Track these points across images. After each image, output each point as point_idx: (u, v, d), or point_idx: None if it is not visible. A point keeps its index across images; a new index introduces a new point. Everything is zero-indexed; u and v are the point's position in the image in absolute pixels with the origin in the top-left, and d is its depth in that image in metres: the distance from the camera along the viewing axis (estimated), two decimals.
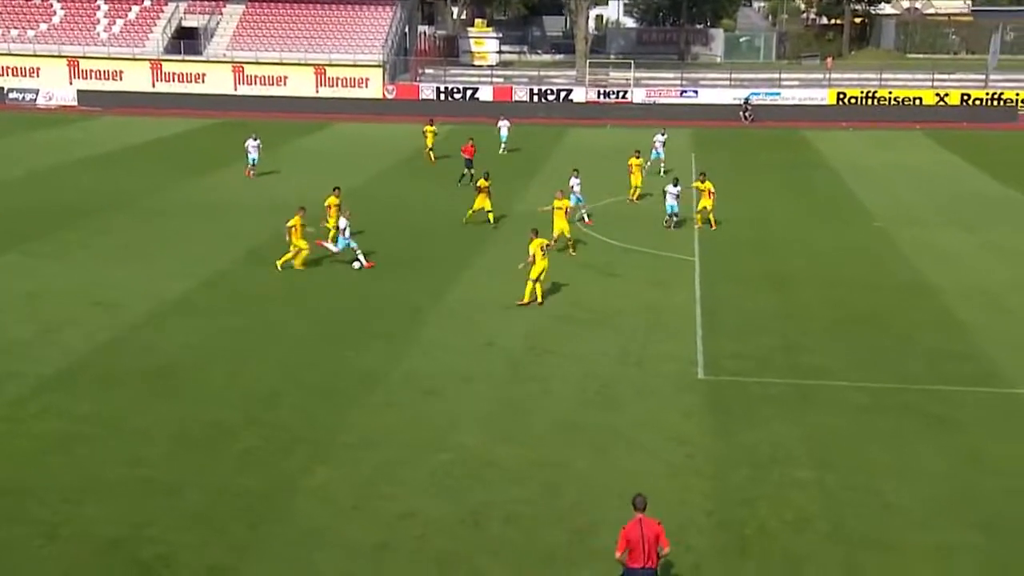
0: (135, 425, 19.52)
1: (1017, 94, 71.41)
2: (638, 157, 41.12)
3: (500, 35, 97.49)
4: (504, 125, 53.27)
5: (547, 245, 27.04)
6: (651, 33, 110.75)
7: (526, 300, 26.54)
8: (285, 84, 74.79)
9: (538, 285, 26.70)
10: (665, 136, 48.70)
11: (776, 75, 79.10)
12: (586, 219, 36.25)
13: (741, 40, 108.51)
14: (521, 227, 35.23)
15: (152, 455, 18.33)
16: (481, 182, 35.66)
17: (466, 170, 42.81)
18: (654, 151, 47.15)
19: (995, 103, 70.71)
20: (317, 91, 74.35)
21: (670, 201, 34.82)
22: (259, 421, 19.76)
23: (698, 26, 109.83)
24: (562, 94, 74.21)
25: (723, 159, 49.14)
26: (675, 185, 35.07)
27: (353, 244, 30.14)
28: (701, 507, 16.57)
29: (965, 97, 71.31)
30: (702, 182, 35.25)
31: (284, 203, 39.39)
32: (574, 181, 36.09)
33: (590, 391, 21.29)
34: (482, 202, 35.10)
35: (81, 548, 15.34)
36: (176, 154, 52.46)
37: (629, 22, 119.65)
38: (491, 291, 28.18)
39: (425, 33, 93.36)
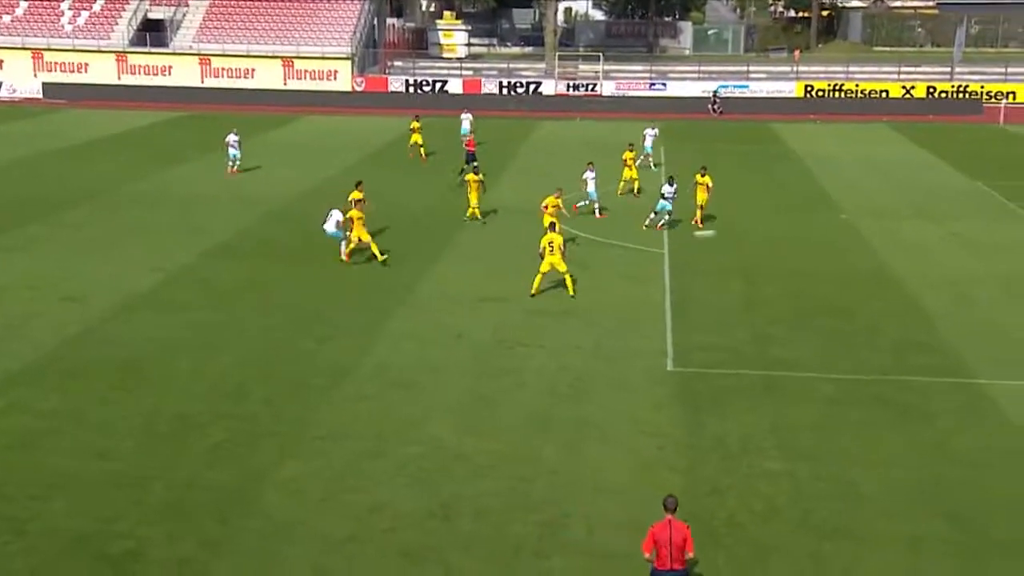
0: (102, 419, 19.40)
1: (982, 86, 72.10)
2: (632, 151, 40.95)
3: (469, 28, 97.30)
4: (467, 118, 52.42)
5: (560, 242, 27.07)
6: (620, 26, 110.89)
7: (571, 292, 26.99)
8: (252, 76, 74.38)
9: (566, 276, 27.02)
10: (656, 131, 48.28)
11: (744, 68, 79.43)
12: (597, 213, 36.09)
13: (709, 33, 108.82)
14: (492, 221, 35.30)
15: (120, 449, 18.21)
16: (471, 176, 35.63)
17: (467, 164, 42.41)
18: (645, 145, 46.86)
19: (960, 96, 71.34)
20: (285, 84, 73.99)
21: (664, 201, 33.81)
22: (228, 414, 19.67)
23: (666, 19, 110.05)
24: (531, 87, 74.22)
25: (692, 151, 49.26)
26: (671, 184, 34.01)
27: (340, 236, 29.94)
28: None
29: (931, 90, 71.94)
30: (703, 175, 34.77)
31: (253, 197, 39.34)
32: (589, 174, 36.09)
33: (561, 384, 21.32)
34: (471, 195, 35.11)
35: (49, 544, 15.23)
36: (143, 147, 52.07)
37: (598, 15, 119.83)
38: (462, 284, 28.17)
39: (394, 26, 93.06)
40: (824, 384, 21.34)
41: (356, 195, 31.72)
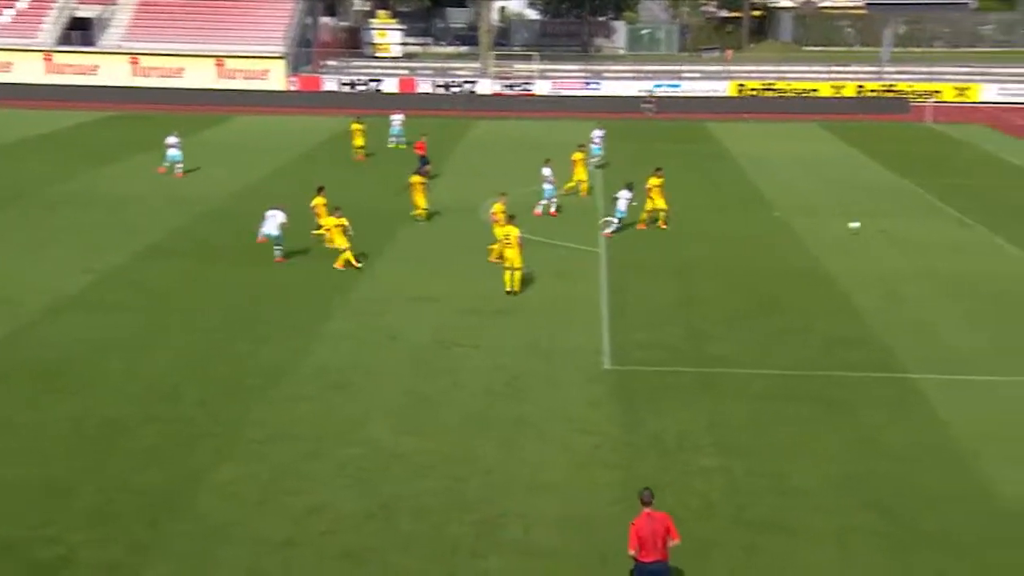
0: (31, 423, 19.07)
1: (910, 86, 73.45)
2: (582, 151, 40.95)
3: (404, 27, 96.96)
4: (397, 119, 52.13)
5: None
6: (554, 25, 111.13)
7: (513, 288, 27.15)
8: (182, 76, 73.43)
9: (517, 272, 27.11)
10: (603, 131, 48.14)
11: (678, 67, 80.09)
12: (551, 210, 36.14)
13: (643, 32, 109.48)
14: (429, 221, 35.22)
15: (48, 454, 17.91)
16: (415, 178, 35.50)
17: (421, 166, 42.20)
18: (593, 146, 46.67)
19: (889, 95, 72.62)
20: (217, 83, 73.15)
21: (620, 206, 33.43)
22: (161, 417, 19.44)
23: (600, 18, 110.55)
24: (466, 86, 74.18)
25: (627, 150, 49.58)
26: (629, 190, 33.74)
27: (279, 238, 29.58)
28: (608, 496, 16.76)
29: (860, 89, 73.14)
30: (658, 177, 34.69)
31: (186, 197, 38.88)
32: (546, 171, 36.06)
33: (498, 383, 21.37)
34: (417, 197, 35.00)
35: None
36: (71, 147, 51.21)
37: (532, 14, 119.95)
38: (399, 283, 28.10)
39: (327, 25, 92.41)
40: (758, 380, 21.62)
41: (320, 201, 31.43)
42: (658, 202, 34.52)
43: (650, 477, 17.29)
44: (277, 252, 29.77)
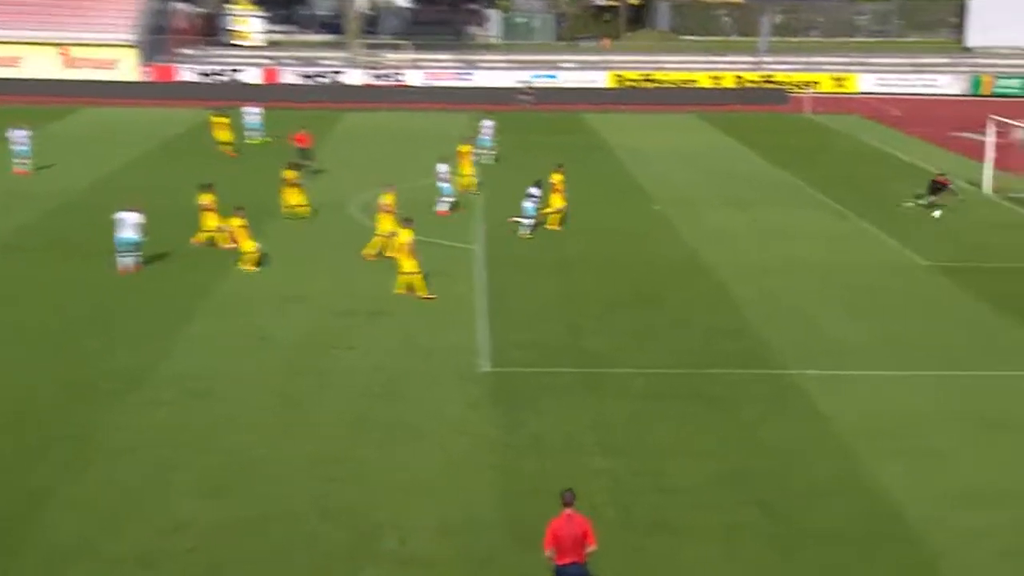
0: None
1: (788, 76, 75.50)
2: (468, 143, 40.68)
3: (266, 14, 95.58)
4: (254, 112, 50.75)
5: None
6: (426, 13, 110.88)
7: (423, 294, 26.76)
8: (19, 65, 71.00)
9: (410, 277, 26.73)
10: (493, 122, 47.53)
11: (554, 57, 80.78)
12: (445, 210, 35.88)
13: (518, 21, 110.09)
14: (298, 218, 34.81)
15: None
16: (288, 173, 35.02)
17: (303, 161, 41.45)
18: (483, 137, 46.26)
19: (768, 85, 74.53)
20: (62, 73, 71.00)
21: (528, 204, 33.04)
22: (6, 423, 18.84)
23: (474, 6, 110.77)
24: (334, 77, 73.59)
25: (506, 143, 49.76)
26: (538, 187, 33.37)
27: (138, 243, 28.50)
28: (489, 501, 16.85)
29: (739, 80, 74.92)
30: (559, 173, 34.46)
31: (32, 192, 37.72)
32: (442, 167, 35.92)
33: (374, 385, 21.29)
34: (293, 196, 34.53)
35: None
36: None
37: (402, 1, 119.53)
38: (266, 284, 27.76)
39: (183, 11, 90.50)
40: (639, 378, 21.99)
41: (207, 198, 30.67)
42: (556, 200, 34.11)
43: (532, 480, 17.46)
44: (132, 260, 28.30)
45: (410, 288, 26.70)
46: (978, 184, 41.71)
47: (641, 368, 22.53)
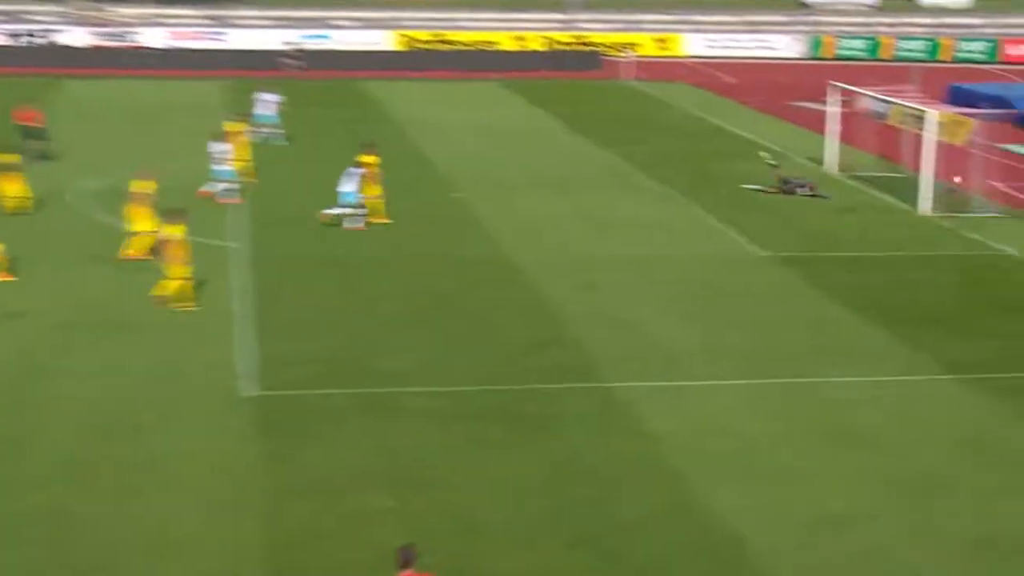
0: None
1: (604, 37, 77.02)
2: (241, 120, 39.96)
3: None
4: None
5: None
6: None
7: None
8: None
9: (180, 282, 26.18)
10: (278, 96, 46.59)
11: (327, 13, 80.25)
12: (222, 197, 35.55)
13: None
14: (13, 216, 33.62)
15: None
16: (7, 157, 34.07)
17: (31, 142, 39.77)
18: (265, 113, 45.47)
19: (579, 48, 75.86)
20: None
21: (348, 188, 32.49)
22: None
23: None
24: (48, 35, 71.56)
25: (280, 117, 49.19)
26: (357, 167, 33.03)
27: None
28: (253, 552, 16.57)
29: (548, 41, 76.01)
30: (369, 155, 34.10)
31: None
32: (218, 146, 35.67)
33: (107, 417, 20.73)
34: (11, 185, 33.53)
35: None
36: None
37: None
38: None
39: None
40: (438, 398, 22.02)
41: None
42: (370, 188, 33.74)
43: (306, 524, 17.27)
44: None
45: (177, 296, 26.04)
46: (819, 161, 43.44)
47: (439, 387, 22.58)
